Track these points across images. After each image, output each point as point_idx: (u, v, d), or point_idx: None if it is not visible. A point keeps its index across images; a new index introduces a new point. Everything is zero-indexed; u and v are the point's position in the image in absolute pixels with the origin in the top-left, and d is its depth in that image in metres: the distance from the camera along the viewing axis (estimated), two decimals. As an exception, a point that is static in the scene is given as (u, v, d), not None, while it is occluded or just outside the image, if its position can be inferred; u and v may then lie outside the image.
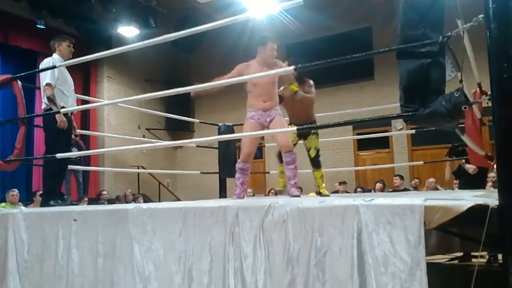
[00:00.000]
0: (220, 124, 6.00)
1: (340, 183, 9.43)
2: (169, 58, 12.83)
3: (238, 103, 12.92)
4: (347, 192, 9.10)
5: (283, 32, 11.55)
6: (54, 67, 3.94)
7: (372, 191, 8.87)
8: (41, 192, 6.53)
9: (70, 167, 5.17)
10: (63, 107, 4.03)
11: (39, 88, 4.35)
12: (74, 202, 4.83)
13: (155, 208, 2.63)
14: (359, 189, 9.29)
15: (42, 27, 9.49)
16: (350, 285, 1.86)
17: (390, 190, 8.79)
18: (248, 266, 2.18)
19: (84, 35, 9.97)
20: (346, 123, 2.72)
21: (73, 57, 4.24)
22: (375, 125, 9.68)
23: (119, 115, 11.74)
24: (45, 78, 4.03)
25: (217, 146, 6.12)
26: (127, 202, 9.03)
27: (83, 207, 3.82)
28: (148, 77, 12.53)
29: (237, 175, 4.08)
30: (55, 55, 4.24)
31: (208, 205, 2.43)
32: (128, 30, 10.34)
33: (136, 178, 11.72)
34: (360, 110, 7.24)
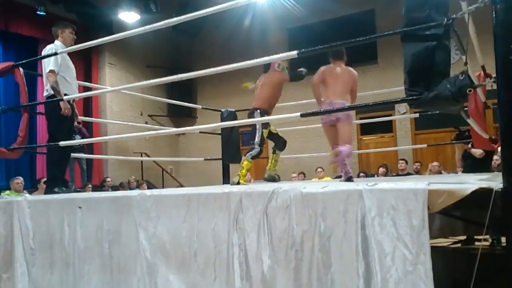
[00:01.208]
0: (222, 110, 5.99)
1: (343, 168, 9.44)
2: (170, 43, 12.76)
3: (240, 89, 12.91)
4: (350, 176, 9.10)
5: (285, 15, 11.46)
6: (55, 53, 3.92)
7: (375, 175, 8.88)
8: (45, 179, 6.55)
9: (74, 155, 5.19)
10: (66, 94, 4.03)
11: (41, 75, 4.35)
12: (78, 189, 4.85)
13: (159, 194, 2.63)
14: (362, 174, 9.29)
15: (42, 13, 9.43)
16: (355, 269, 1.87)
17: (394, 174, 8.80)
18: (252, 252, 2.19)
19: (84, 21, 9.91)
20: (349, 108, 2.71)
21: (74, 44, 4.23)
22: (379, 109, 9.62)
23: (121, 102, 11.73)
24: (48, 65, 4.02)
25: (220, 132, 6.12)
26: (131, 189, 9.08)
27: (88, 194, 3.83)
28: (150, 63, 12.48)
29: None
30: (57, 42, 4.22)
31: (211, 191, 2.44)
32: (128, 16, 10.26)
33: (140, 165, 11.76)
34: (363, 94, 7.19)
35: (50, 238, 3.05)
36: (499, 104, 1.83)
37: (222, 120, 5.81)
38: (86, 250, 2.86)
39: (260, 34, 11.69)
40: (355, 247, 1.88)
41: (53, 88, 3.98)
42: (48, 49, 4.12)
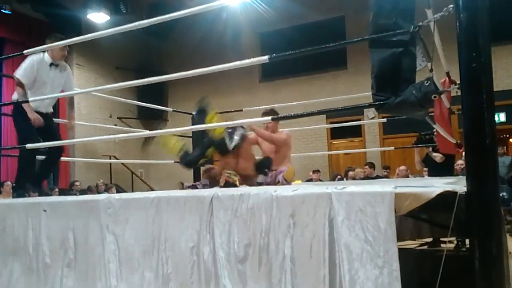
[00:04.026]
0: (193, 112, 5.94)
1: (314, 172, 9.55)
2: (141, 45, 12.61)
3: (211, 92, 12.84)
4: (320, 180, 9.21)
5: (257, 20, 11.51)
6: (21, 53, 3.78)
7: (344, 179, 8.99)
8: (8, 182, 6.34)
9: (39, 157, 5.04)
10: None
11: (7, 76, 4.21)
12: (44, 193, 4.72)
13: (127, 198, 2.59)
14: (339, 177, 9.27)
15: (7, 12, 9.16)
16: (322, 271, 1.89)
17: (362, 177, 8.95)
18: (223, 255, 2.18)
19: (52, 21, 9.69)
20: (319, 112, 2.74)
21: (41, 44, 4.10)
22: (348, 114, 9.78)
23: (89, 104, 11.48)
24: (20, 72, 3.83)
25: (190, 135, 6.08)
26: (99, 193, 8.90)
27: (53, 198, 3.74)
28: (119, 65, 12.28)
29: None
30: (45, 55, 4.02)
31: (181, 194, 2.42)
32: (98, 16, 10.10)
33: (108, 168, 11.53)
34: (333, 99, 7.31)
35: (14, 242, 2.96)
36: (463, 110, 1.89)
37: (193, 123, 5.77)
38: (51, 255, 2.79)
39: (233, 38, 11.70)
40: (324, 249, 1.90)
41: (19, 102, 3.82)
42: (33, 59, 3.92)
